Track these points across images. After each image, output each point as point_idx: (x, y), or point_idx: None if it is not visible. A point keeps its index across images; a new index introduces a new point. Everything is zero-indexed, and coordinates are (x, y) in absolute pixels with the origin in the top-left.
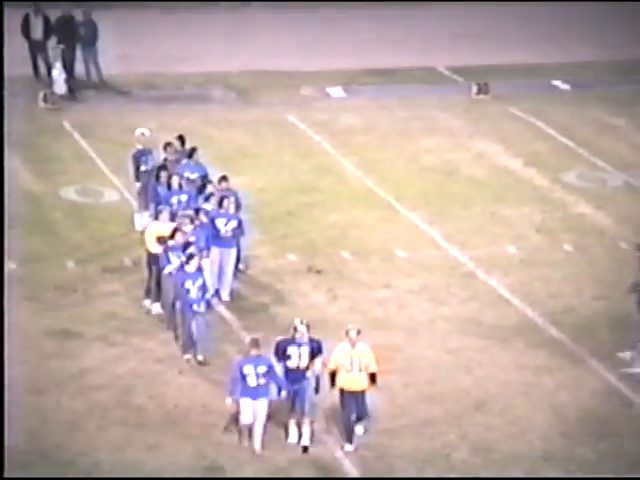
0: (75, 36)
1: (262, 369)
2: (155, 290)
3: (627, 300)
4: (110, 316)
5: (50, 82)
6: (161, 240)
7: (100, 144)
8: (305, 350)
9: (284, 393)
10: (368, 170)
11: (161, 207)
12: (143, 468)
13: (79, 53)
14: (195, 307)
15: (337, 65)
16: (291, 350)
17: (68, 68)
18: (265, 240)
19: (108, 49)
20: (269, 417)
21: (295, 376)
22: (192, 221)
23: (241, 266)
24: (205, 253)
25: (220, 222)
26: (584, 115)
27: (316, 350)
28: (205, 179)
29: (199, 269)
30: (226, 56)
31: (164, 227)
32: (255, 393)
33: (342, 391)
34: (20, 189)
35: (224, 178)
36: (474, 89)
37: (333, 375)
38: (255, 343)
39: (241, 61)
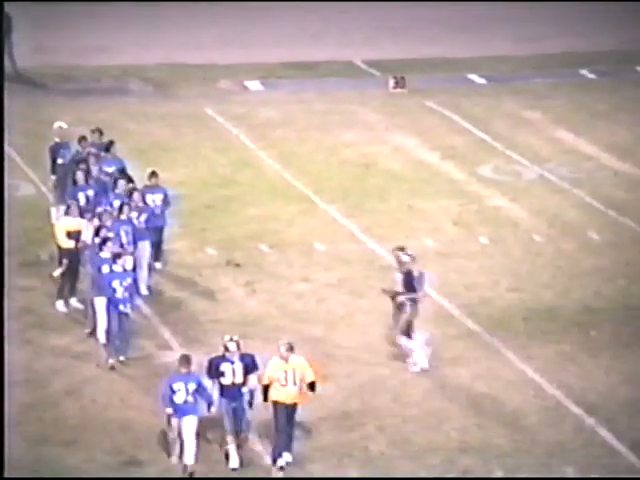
0: None
1: (192, 386)
2: (62, 285)
3: (541, 292)
4: (27, 311)
5: None
6: (71, 235)
7: (15, 137)
8: (239, 366)
9: (214, 409)
10: (287, 163)
11: (70, 202)
12: (60, 464)
13: None
14: (122, 307)
15: (255, 58)
16: (224, 367)
17: None
18: (184, 234)
19: (23, 41)
20: (199, 435)
21: (231, 393)
22: (112, 215)
23: (158, 265)
24: (130, 250)
25: (133, 216)
26: (500, 109)
27: (250, 366)
28: (122, 173)
29: (126, 269)
30: (144, 48)
31: (73, 222)
32: (183, 410)
33: (276, 404)
34: None
35: (154, 174)
36: (391, 83)
37: (266, 389)
38: (186, 360)
39: (159, 54)
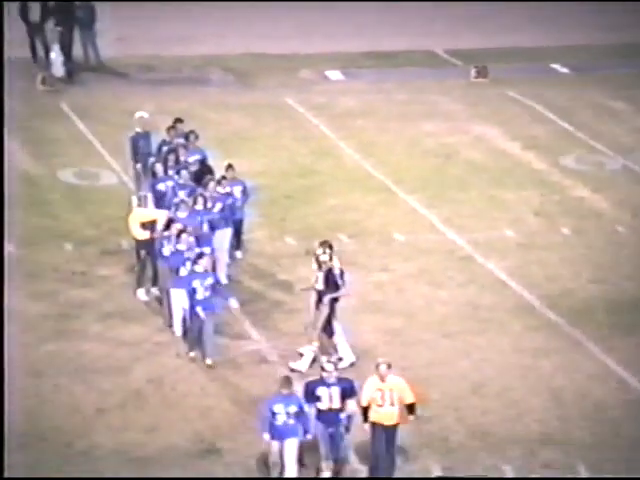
0: (73, 18)
1: (293, 408)
2: (140, 275)
3: (624, 284)
4: (108, 299)
5: (48, 65)
6: (145, 226)
7: (98, 126)
8: (336, 391)
9: (309, 436)
10: (366, 153)
11: (142, 193)
12: (141, 451)
13: (77, 35)
14: (199, 310)
15: (336, 48)
16: (321, 391)
17: (66, 51)
18: (263, 223)
19: (106, 31)
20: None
21: (328, 418)
22: (188, 206)
23: (238, 254)
24: (211, 255)
25: (209, 206)
26: (583, 98)
27: (348, 391)
28: (203, 163)
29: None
30: (225, 38)
31: (147, 213)
32: (284, 432)
33: (373, 426)
34: (18, 171)
35: (230, 167)
36: (473, 72)
37: (366, 410)
38: (287, 381)
39: (240, 43)
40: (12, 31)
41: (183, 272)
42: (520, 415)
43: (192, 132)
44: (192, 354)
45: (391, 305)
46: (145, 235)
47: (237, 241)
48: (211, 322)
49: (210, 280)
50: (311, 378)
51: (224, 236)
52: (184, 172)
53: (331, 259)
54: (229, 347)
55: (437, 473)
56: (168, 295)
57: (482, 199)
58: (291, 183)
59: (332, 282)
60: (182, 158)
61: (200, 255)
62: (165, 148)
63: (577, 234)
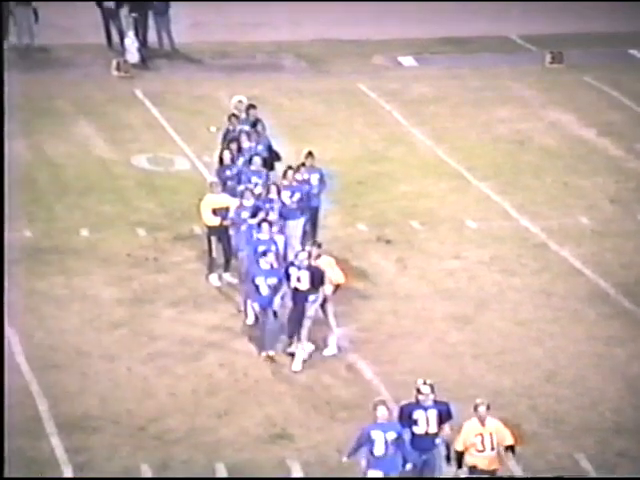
0: (148, 5)
1: (391, 435)
2: (212, 261)
3: None
4: (180, 284)
5: (123, 50)
6: (217, 212)
7: (171, 112)
8: (433, 414)
9: (409, 466)
10: (439, 140)
11: (213, 180)
12: (213, 435)
13: (152, 21)
14: (256, 307)
15: (409, 34)
16: (417, 414)
17: (141, 36)
18: (335, 209)
19: (180, 17)
20: None
21: (424, 443)
22: (254, 194)
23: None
24: (276, 229)
25: (285, 194)
26: None
27: (445, 414)
28: (269, 150)
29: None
30: (298, 24)
31: (218, 199)
32: (383, 465)
33: (473, 470)
34: (93, 157)
35: (310, 154)
36: (548, 58)
37: (461, 455)
38: (384, 405)
39: (313, 30)
40: (87, 17)
41: (263, 264)
42: (594, 403)
43: (258, 120)
44: (263, 353)
45: (463, 292)
46: (216, 221)
47: (313, 230)
48: (269, 317)
49: (274, 280)
50: (406, 401)
51: (297, 225)
52: (256, 159)
53: (318, 257)
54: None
55: (510, 461)
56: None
57: (556, 186)
58: (363, 169)
59: (317, 282)
60: (244, 146)
61: (264, 252)
62: (229, 137)
63: None
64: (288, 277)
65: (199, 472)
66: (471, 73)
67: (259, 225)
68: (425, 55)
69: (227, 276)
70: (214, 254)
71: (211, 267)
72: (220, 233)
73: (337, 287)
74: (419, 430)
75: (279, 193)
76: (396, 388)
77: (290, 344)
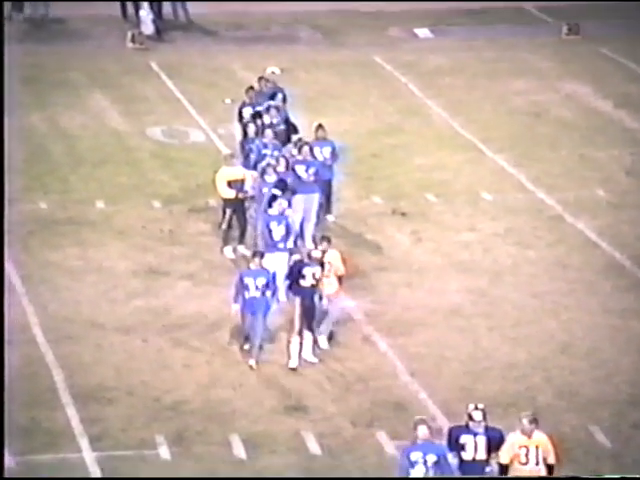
0: None
1: (432, 458)
2: (227, 233)
3: None
4: (195, 256)
5: (138, 22)
6: (232, 185)
7: (186, 84)
8: (482, 440)
9: None
10: (455, 112)
11: (228, 152)
12: (228, 406)
13: None
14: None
15: (425, 5)
16: (465, 439)
17: (155, 8)
18: (350, 182)
19: None
20: None
21: (471, 470)
22: (277, 171)
23: (330, 217)
24: (287, 202)
25: (300, 169)
26: None
27: (496, 441)
28: (286, 122)
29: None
30: None
31: (234, 171)
32: None
33: None
34: (108, 128)
35: (321, 127)
36: (564, 29)
37: (506, 469)
38: (424, 424)
39: (328, 1)
40: None
41: (276, 236)
42: (609, 376)
43: (276, 92)
44: (250, 362)
45: (478, 265)
46: (231, 194)
47: (327, 203)
48: (260, 321)
49: (263, 280)
50: (456, 424)
51: (312, 200)
52: (268, 131)
53: (325, 252)
54: None
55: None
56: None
57: (572, 158)
58: (378, 142)
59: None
60: (265, 121)
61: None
62: (245, 110)
63: None
64: (302, 277)
65: (214, 443)
66: (487, 45)
67: (270, 202)
68: (441, 27)
69: (242, 249)
70: (228, 226)
71: (226, 239)
72: (235, 206)
73: (340, 279)
74: (466, 456)
75: (287, 167)
76: (410, 360)
77: (301, 343)
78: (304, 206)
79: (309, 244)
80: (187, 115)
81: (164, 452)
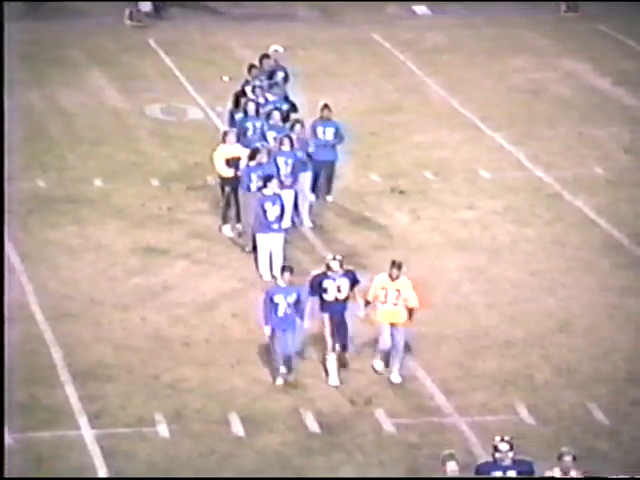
0: None
1: None
2: (225, 211)
3: None
4: (194, 234)
5: None
6: (230, 163)
7: (185, 62)
8: (512, 474)
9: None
10: (453, 90)
11: (227, 129)
12: (226, 384)
13: None
14: (279, 330)
15: None
16: (495, 474)
17: None
18: (348, 160)
19: None
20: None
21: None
22: (269, 152)
23: (329, 197)
24: (289, 181)
25: (296, 147)
26: None
27: (526, 474)
28: (286, 100)
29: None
30: None
31: (231, 149)
32: None
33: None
34: (106, 106)
35: (326, 107)
36: (563, 7)
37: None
38: (452, 458)
39: None
40: None
41: (270, 216)
42: (607, 353)
43: (274, 71)
44: (279, 381)
45: (476, 243)
46: (229, 172)
47: (328, 184)
48: (291, 339)
49: (294, 296)
50: (483, 461)
51: (305, 178)
52: (276, 113)
53: (397, 278)
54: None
55: (522, 411)
56: (254, 238)
57: (571, 136)
58: (376, 120)
59: (356, 284)
60: (260, 101)
61: (283, 269)
62: (248, 88)
63: None
64: (324, 290)
65: (212, 421)
66: (486, 22)
67: (265, 183)
68: (439, 4)
69: (240, 227)
70: (227, 204)
71: (225, 218)
72: (233, 184)
73: (411, 311)
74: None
75: (292, 146)
76: (409, 338)
77: (328, 359)
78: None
79: (307, 222)
80: (185, 93)
81: (163, 430)
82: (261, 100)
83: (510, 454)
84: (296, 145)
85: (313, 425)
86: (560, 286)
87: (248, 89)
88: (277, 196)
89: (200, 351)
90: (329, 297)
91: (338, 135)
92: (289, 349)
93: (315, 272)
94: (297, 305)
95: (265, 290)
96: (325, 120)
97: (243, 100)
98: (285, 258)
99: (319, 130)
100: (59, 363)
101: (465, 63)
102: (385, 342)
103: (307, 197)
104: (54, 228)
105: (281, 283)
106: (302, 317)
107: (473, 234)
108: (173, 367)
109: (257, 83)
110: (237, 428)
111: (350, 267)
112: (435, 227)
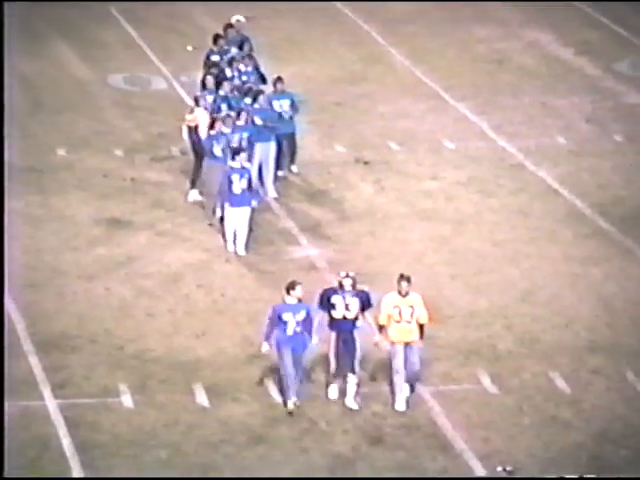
0: None
1: None
2: (194, 177)
3: None
4: (158, 205)
5: None
6: (192, 131)
7: (148, 31)
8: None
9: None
10: (417, 60)
11: (199, 94)
12: (191, 354)
13: None
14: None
15: None
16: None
17: None
18: (312, 130)
19: None
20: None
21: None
22: (233, 122)
23: (294, 168)
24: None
25: (257, 118)
26: (639, 2)
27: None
28: (257, 71)
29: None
30: None
31: (193, 117)
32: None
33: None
34: (68, 75)
35: (279, 79)
36: None
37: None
38: None
39: None
40: None
41: (237, 189)
42: (569, 323)
43: (244, 40)
44: (290, 405)
45: (440, 213)
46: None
47: (291, 155)
48: (300, 363)
49: (303, 314)
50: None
51: (269, 149)
52: (225, 83)
53: (408, 294)
54: (278, 253)
55: (485, 380)
56: (222, 209)
57: (534, 106)
58: (341, 90)
59: (367, 306)
60: (227, 74)
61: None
62: (212, 58)
63: (629, 141)
64: (332, 306)
65: (177, 391)
66: None
67: (233, 155)
68: None
69: (194, 193)
70: (196, 170)
71: (194, 183)
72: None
73: (422, 327)
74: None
75: (253, 122)
76: (374, 308)
77: (335, 383)
78: (262, 155)
79: (271, 193)
80: (149, 62)
81: (127, 400)
82: (236, 73)
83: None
84: (256, 118)
85: (277, 395)
86: (523, 256)
87: (214, 58)
88: (245, 169)
89: (164, 322)
90: (337, 314)
91: (294, 107)
92: (297, 371)
93: (327, 287)
94: (306, 323)
95: (273, 306)
96: (280, 93)
97: (201, 73)
98: (251, 230)
99: (275, 103)
100: (22, 334)
101: (429, 33)
102: (400, 365)
103: (271, 168)
104: (16, 198)
105: (290, 300)
106: (310, 333)
107: (437, 204)
108: (137, 338)
109: (235, 55)
110: (202, 398)
111: (364, 288)
112: (399, 198)
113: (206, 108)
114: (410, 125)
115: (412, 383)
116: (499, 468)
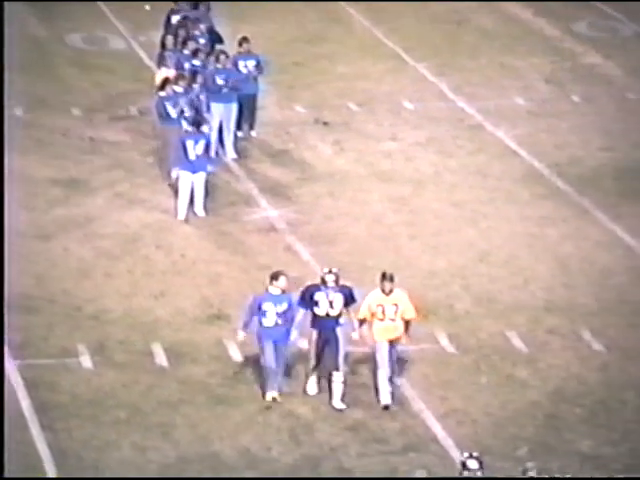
0: None
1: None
2: None
3: (633, 151)
4: (116, 165)
5: None
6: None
7: None
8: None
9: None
10: (377, 20)
11: (166, 53)
12: (150, 315)
13: None
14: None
15: None
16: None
17: None
18: (272, 91)
19: None
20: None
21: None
22: (188, 83)
23: (253, 133)
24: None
25: (218, 78)
26: None
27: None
28: (212, 31)
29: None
30: None
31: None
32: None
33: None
34: (24, 34)
35: (245, 39)
36: None
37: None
38: None
39: None
40: None
41: (191, 155)
42: (526, 282)
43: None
44: (269, 395)
45: (400, 174)
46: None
47: (251, 116)
48: (281, 354)
49: (285, 305)
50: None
51: (230, 110)
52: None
53: (391, 292)
54: (237, 214)
55: (443, 340)
56: (177, 175)
57: (492, 66)
58: (300, 50)
59: (350, 301)
60: (192, 32)
61: (275, 276)
62: (175, 17)
63: (587, 101)
64: (315, 304)
65: (136, 352)
66: None
67: (193, 124)
68: None
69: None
70: None
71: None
72: None
73: (407, 323)
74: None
75: (213, 82)
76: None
77: (318, 381)
78: (222, 116)
79: (230, 154)
80: (107, 21)
81: (86, 361)
82: (197, 32)
83: (479, 473)
84: (218, 79)
85: (237, 355)
86: (481, 217)
87: (174, 18)
88: (201, 134)
89: (123, 282)
90: (320, 311)
91: (260, 67)
92: (278, 363)
93: (309, 283)
94: (287, 314)
95: (253, 295)
96: (245, 53)
97: (161, 34)
98: (208, 192)
99: (240, 63)
100: None
101: None
102: (384, 359)
103: (231, 129)
104: None
105: (273, 290)
106: (290, 327)
107: (396, 165)
108: (96, 298)
109: (188, 14)
110: (161, 359)
111: (347, 283)
112: (359, 158)
113: (169, 67)
114: (369, 86)
115: (392, 377)
116: (465, 454)
